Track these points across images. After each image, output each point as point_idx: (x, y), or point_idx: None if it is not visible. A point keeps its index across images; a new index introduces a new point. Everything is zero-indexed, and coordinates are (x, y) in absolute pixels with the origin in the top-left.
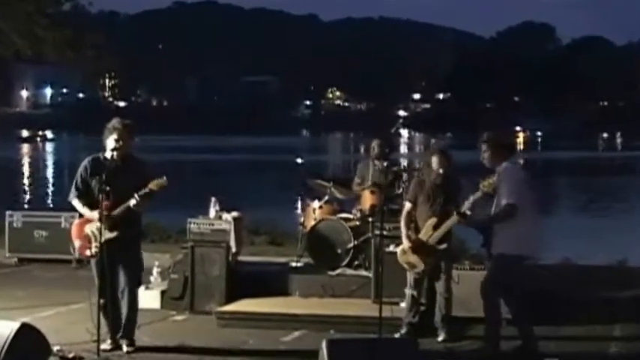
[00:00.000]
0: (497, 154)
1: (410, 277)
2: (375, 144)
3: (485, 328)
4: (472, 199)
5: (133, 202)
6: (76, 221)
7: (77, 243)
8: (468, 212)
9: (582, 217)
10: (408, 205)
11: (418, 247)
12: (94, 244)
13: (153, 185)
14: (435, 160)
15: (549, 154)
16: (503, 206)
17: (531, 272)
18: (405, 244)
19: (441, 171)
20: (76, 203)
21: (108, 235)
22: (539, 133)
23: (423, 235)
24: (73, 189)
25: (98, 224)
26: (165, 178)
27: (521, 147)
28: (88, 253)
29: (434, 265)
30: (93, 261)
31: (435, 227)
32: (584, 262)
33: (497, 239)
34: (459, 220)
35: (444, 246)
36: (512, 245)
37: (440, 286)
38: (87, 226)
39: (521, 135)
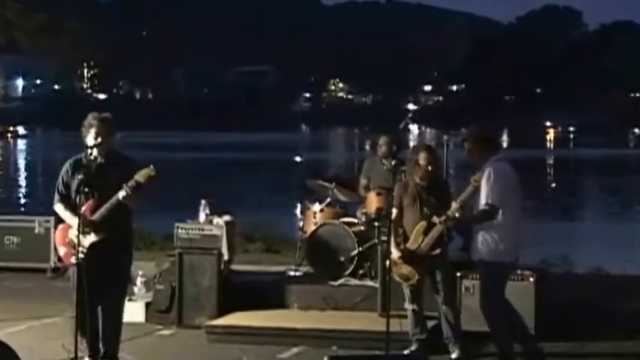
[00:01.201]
0: (481, 150)
1: (406, 290)
2: (382, 141)
3: (495, 345)
4: (463, 196)
5: (122, 193)
6: (60, 226)
7: (62, 250)
8: (457, 214)
9: (613, 222)
10: (394, 212)
11: (409, 256)
12: (79, 250)
13: (139, 176)
14: (422, 157)
15: (580, 151)
16: (482, 206)
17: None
18: (395, 254)
19: (429, 168)
20: (58, 208)
21: (91, 238)
22: (571, 129)
23: (412, 243)
24: (55, 194)
25: (82, 228)
26: (152, 167)
27: (551, 144)
28: (74, 260)
29: (429, 274)
30: (73, 270)
31: (426, 232)
32: (616, 271)
33: (477, 244)
34: (446, 225)
35: (437, 251)
36: (492, 251)
37: (440, 297)
38: (71, 231)
39: (551, 131)
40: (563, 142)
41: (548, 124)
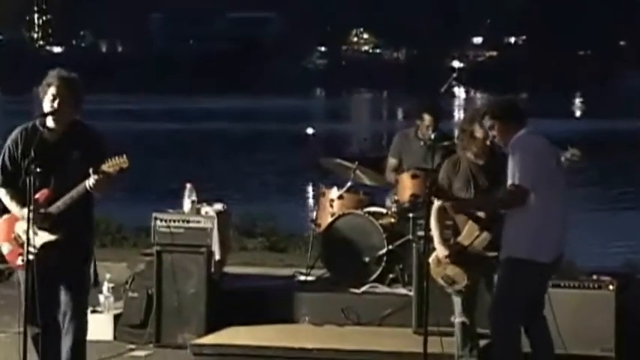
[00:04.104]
0: (505, 125)
1: (456, 299)
2: (427, 120)
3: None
4: None
5: (90, 181)
6: (4, 217)
7: (5, 247)
8: None
9: None
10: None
11: (458, 255)
12: (27, 250)
13: (108, 167)
14: (479, 128)
15: None
16: (507, 188)
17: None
18: (441, 252)
19: (488, 142)
20: (1, 194)
21: (45, 237)
22: None
23: (464, 238)
24: None
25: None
26: (125, 157)
27: None
28: (20, 261)
29: (482, 279)
30: (21, 274)
31: (484, 226)
32: None
33: (505, 237)
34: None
35: (495, 253)
36: (521, 245)
37: None
38: (18, 224)
39: None
40: None
41: None
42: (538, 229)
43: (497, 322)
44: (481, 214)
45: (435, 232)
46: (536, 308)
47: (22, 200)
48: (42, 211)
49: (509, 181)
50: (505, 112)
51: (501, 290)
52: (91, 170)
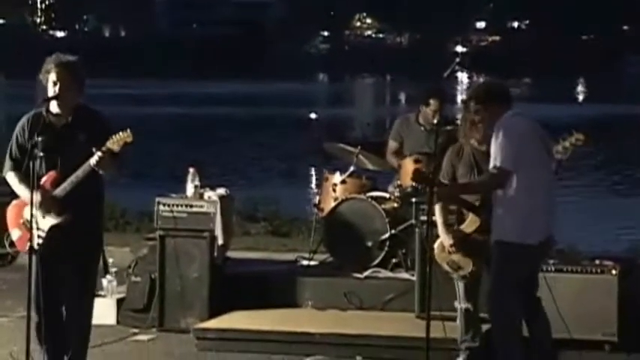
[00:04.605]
0: (492, 110)
1: (460, 284)
2: (433, 105)
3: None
4: None
5: (94, 159)
6: (13, 203)
7: (15, 233)
8: None
9: None
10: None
11: (463, 240)
12: (36, 233)
13: (112, 143)
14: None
15: None
16: (489, 170)
17: None
18: (446, 241)
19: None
20: (10, 178)
21: (52, 219)
22: None
23: (468, 225)
24: (7, 160)
25: (40, 206)
26: (129, 131)
27: None
28: (28, 245)
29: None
30: (25, 257)
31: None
32: None
33: (493, 220)
34: None
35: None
36: (508, 228)
37: None
38: (26, 209)
39: None
40: None
41: None
42: (525, 211)
43: (494, 307)
44: (471, 199)
45: (438, 219)
46: (530, 290)
47: (28, 184)
48: (46, 196)
49: (491, 164)
50: (489, 95)
51: (494, 275)
52: (94, 149)
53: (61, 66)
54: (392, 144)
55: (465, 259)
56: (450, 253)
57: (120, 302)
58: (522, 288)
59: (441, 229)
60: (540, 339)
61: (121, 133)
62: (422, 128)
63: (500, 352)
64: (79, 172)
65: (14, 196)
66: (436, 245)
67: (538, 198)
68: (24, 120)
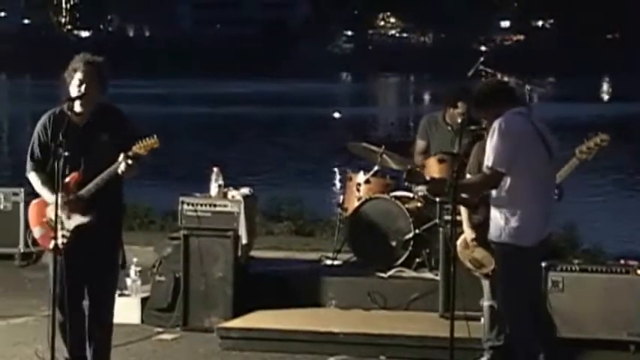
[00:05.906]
0: (492, 112)
1: (485, 282)
2: (462, 108)
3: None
4: (562, 172)
5: (122, 166)
6: (35, 201)
7: (37, 231)
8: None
9: None
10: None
11: (485, 238)
12: (60, 233)
13: (140, 149)
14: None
15: None
16: (482, 171)
17: None
18: (468, 234)
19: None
20: (32, 178)
21: (78, 219)
22: None
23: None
24: (28, 160)
25: (64, 207)
26: (155, 137)
27: None
28: (52, 245)
29: None
30: (50, 257)
31: None
32: None
33: (491, 221)
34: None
35: None
36: (504, 230)
37: None
38: (49, 208)
39: None
40: None
41: None
42: (518, 212)
43: (505, 309)
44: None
45: (463, 216)
46: (534, 289)
47: (52, 185)
48: (71, 197)
49: (485, 163)
50: (487, 97)
51: (499, 278)
52: (122, 155)
53: (87, 65)
54: (420, 143)
55: (488, 257)
56: (472, 248)
57: (144, 301)
58: (526, 288)
59: (465, 224)
60: (545, 335)
61: (147, 139)
62: (449, 128)
63: (520, 352)
64: (104, 175)
65: (36, 195)
66: (459, 242)
67: (534, 199)
68: (44, 119)
